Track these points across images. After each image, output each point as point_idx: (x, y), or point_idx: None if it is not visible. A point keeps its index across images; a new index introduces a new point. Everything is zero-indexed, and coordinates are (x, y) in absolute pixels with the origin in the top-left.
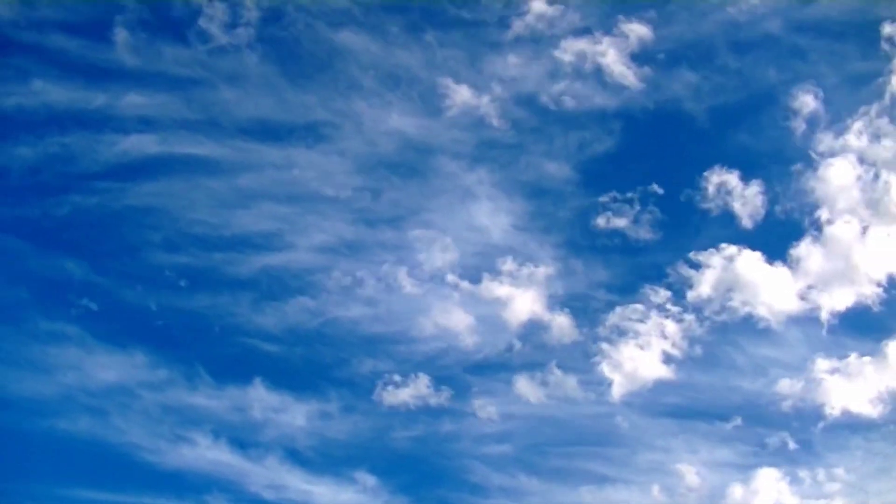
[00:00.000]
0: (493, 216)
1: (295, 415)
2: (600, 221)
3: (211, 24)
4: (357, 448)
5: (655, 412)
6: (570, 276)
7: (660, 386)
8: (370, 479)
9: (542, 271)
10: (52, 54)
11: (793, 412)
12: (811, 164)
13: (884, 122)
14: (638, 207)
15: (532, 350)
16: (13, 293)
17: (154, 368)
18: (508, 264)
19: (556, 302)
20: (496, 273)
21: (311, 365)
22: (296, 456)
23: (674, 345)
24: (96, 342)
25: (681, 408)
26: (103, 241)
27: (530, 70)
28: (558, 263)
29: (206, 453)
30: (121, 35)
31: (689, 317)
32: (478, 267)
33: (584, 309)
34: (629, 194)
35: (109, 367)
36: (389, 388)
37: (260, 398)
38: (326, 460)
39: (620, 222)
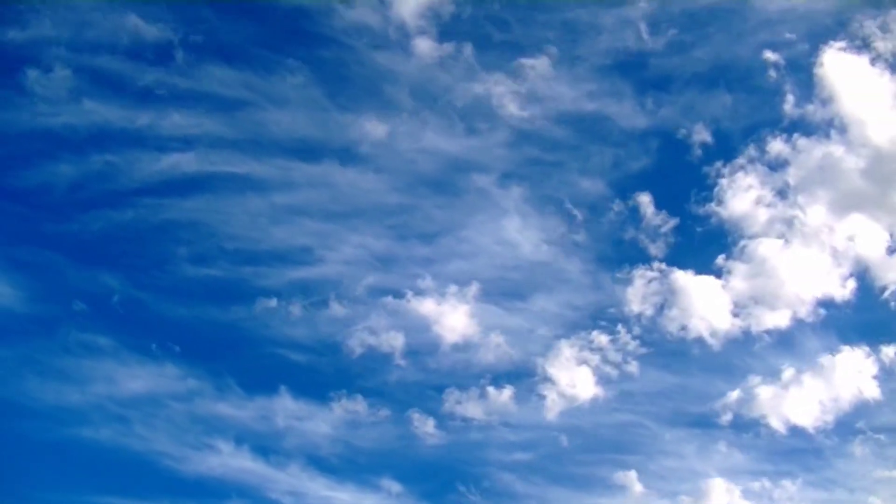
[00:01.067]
0: (523, 232)
1: (319, 422)
2: None
3: (257, 47)
4: (383, 455)
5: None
6: None
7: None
8: (395, 486)
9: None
10: (103, 75)
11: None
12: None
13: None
14: None
15: None
16: (50, 306)
17: (183, 379)
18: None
19: None
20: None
21: (339, 374)
22: (319, 463)
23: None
24: (129, 353)
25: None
26: (139, 255)
27: (567, 88)
28: None
29: (229, 460)
30: (170, 57)
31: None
32: (507, 282)
33: None
34: None
35: (140, 378)
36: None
37: (285, 406)
38: (350, 467)
39: None
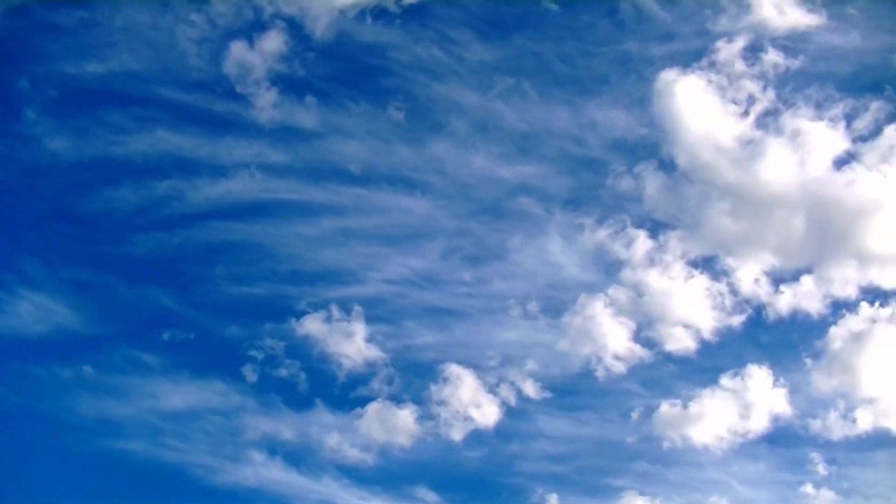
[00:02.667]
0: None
1: (353, 432)
2: None
3: (324, 80)
4: (420, 465)
5: None
6: None
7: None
8: (431, 496)
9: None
10: (171, 105)
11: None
12: None
13: None
14: None
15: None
16: (104, 326)
17: (227, 395)
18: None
19: None
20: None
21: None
22: (352, 473)
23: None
24: (176, 371)
25: None
26: (191, 276)
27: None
28: None
29: (261, 471)
30: (241, 88)
31: None
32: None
33: None
34: None
35: (182, 393)
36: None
37: (319, 418)
38: (385, 477)
39: None
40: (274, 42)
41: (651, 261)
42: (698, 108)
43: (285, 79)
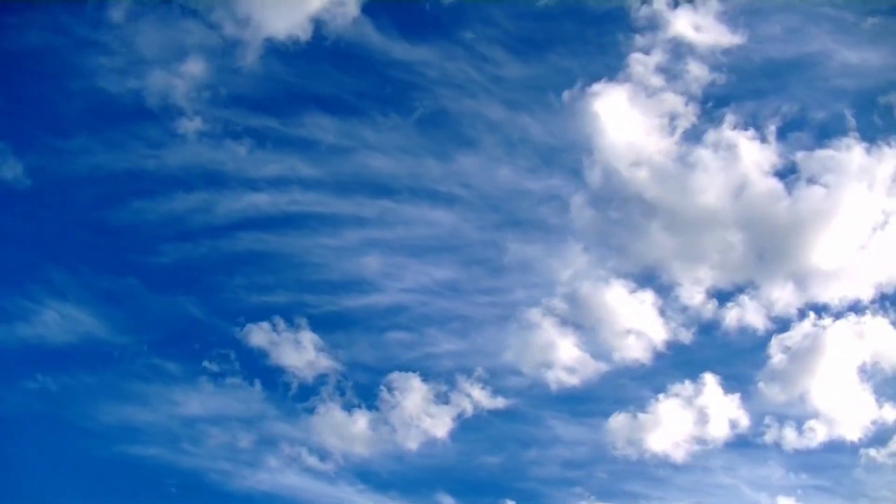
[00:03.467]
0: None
1: (370, 437)
2: None
3: (354, 95)
4: (438, 471)
5: None
6: None
7: None
8: (449, 500)
9: None
10: (205, 119)
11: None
12: None
13: None
14: None
15: None
16: (128, 334)
17: (248, 402)
18: None
19: None
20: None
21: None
22: (369, 477)
23: None
24: (197, 378)
25: None
26: (215, 285)
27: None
28: None
29: (278, 476)
30: (272, 104)
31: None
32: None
33: None
34: None
35: (204, 401)
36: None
37: (337, 422)
38: (402, 481)
39: None
40: (304, 61)
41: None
42: (621, 124)
43: (316, 94)
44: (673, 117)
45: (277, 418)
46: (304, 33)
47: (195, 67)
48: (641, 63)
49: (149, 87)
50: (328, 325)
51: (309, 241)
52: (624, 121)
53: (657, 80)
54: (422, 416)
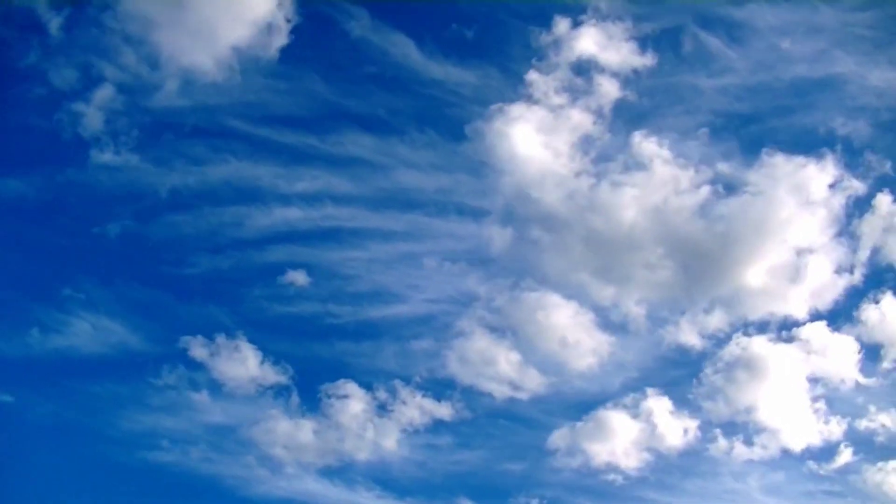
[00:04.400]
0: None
1: (391, 443)
2: None
3: (391, 113)
4: (462, 476)
5: None
6: None
7: None
8: None
9: None
10: (242, 137)
11: None
12: None
13: None
14: None
15: None
16: (160, 344)
17: (268, 409)
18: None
19: None
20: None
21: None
22: (388, 483)
23: None
24: (223, 386)
25: None
26: (243, 295)
27: None
28: None
29: (294, 482)
30: (309, 122)
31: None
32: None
33: None
34: None
35: (229, 409)
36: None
37: (355, 428)
38: (423, 487)
39: None
40: (341, 81)
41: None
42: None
43: (353, 113)
44: (584, 137)
45: (294, 425)
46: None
47: (236, 86)
48: (546, 84)
49: (193, 105)
50: (354, 335)
51: (338, 253)
52: (533, 142)
53: (563, 100)
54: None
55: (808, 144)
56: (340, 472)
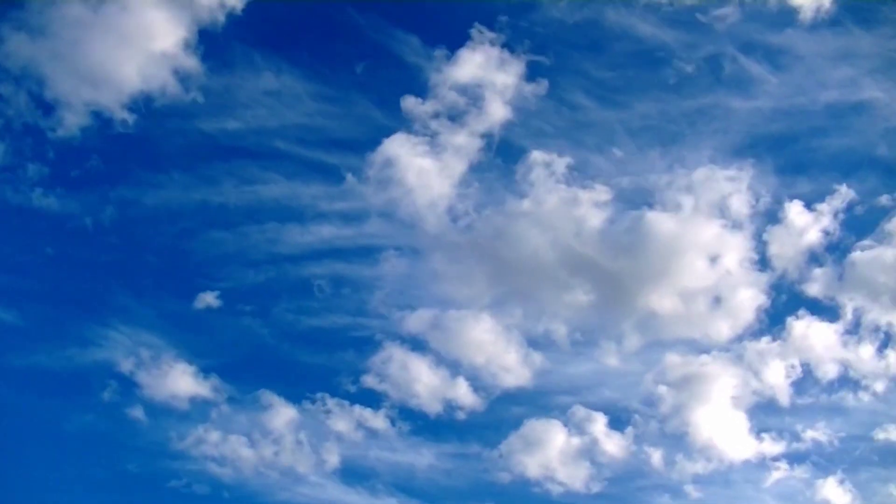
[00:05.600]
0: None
1: (417, 454)
2: None
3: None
4: (483, 485)
5: None
6: None
7: None
8: None
9: None
10: (278, 156)
11: None
12: None
13: None
14: None
15: None
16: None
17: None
18: None
19: None
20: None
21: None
22: (414, 493)
23: None
24: (259, 398)
25: None
26: (279, 308)
27: None
28: None
29: (318, 491)
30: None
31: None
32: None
33: None
34: None
35: (259, 418)
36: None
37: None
38: (447, 495)
39: None
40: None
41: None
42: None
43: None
44: (474, 161)
45: (320, 436)
46: None
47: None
48: (429, 110)
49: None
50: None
51: (369, 269)
52: (425, 170)
53: (449, 125)
54: None
55: (725, 158)
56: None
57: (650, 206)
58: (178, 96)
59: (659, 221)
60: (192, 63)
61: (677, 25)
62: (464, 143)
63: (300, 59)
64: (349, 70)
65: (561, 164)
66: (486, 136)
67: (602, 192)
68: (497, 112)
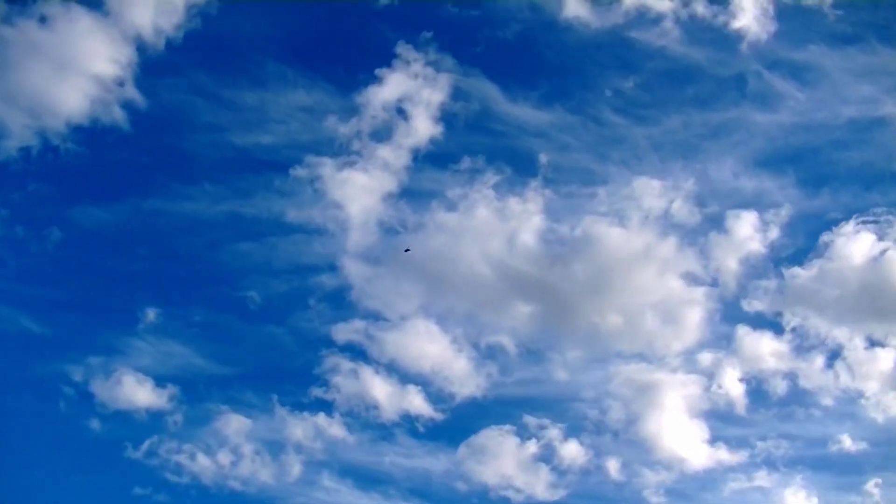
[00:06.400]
0: None
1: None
2: None
3: (468, 153)
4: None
5: None
6: None
7: None
8: None
9: None
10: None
11: None
12: None
13: None
14: None
15: None
16: (225, 365)
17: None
18: None
19: None
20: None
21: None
22: (428, 498)
23: None
24: (278, 406)
25: None
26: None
27: None
28: None
29: (333, 496)
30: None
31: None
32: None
33: None
34: None
35: (278, 426)
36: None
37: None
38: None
39: None
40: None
41: None
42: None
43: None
44: (403, 178)
45: (335, 442)
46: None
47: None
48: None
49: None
50: None
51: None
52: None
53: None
54: None
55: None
56: None
57: (595, 215)
58: None
59: (600, 232)
60: None
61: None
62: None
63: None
64: None
65: (492, 178)
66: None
67: (532, 205)
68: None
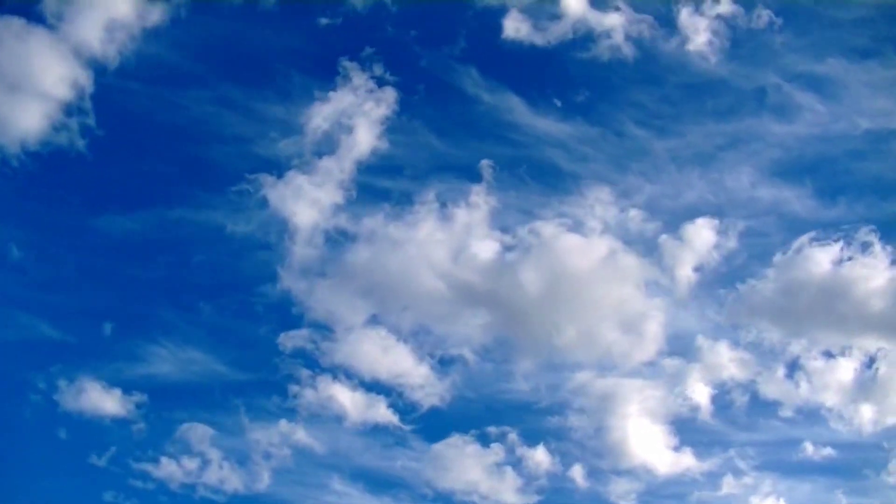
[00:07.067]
0: None
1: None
2: None
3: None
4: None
5: None
6: None
7: None
8: None
9: None
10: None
11: None
12: None
13: None
14: None
15: None
16: (252, 373)
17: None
18: None
19: None
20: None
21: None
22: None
23: None
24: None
25: None
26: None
27: None
28: None
29: (343, 499)
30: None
31: None
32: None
33: None
34: None
35: (291, 432)
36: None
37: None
38: None
39: None
40: None
41: None
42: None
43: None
44: (348, 188)
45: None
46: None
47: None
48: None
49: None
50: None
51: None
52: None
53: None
54: None
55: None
56: None
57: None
58: None
59: (563, 243)
60: None
61: None
62: None
63: None
64: None
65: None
66: None
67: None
68: None
